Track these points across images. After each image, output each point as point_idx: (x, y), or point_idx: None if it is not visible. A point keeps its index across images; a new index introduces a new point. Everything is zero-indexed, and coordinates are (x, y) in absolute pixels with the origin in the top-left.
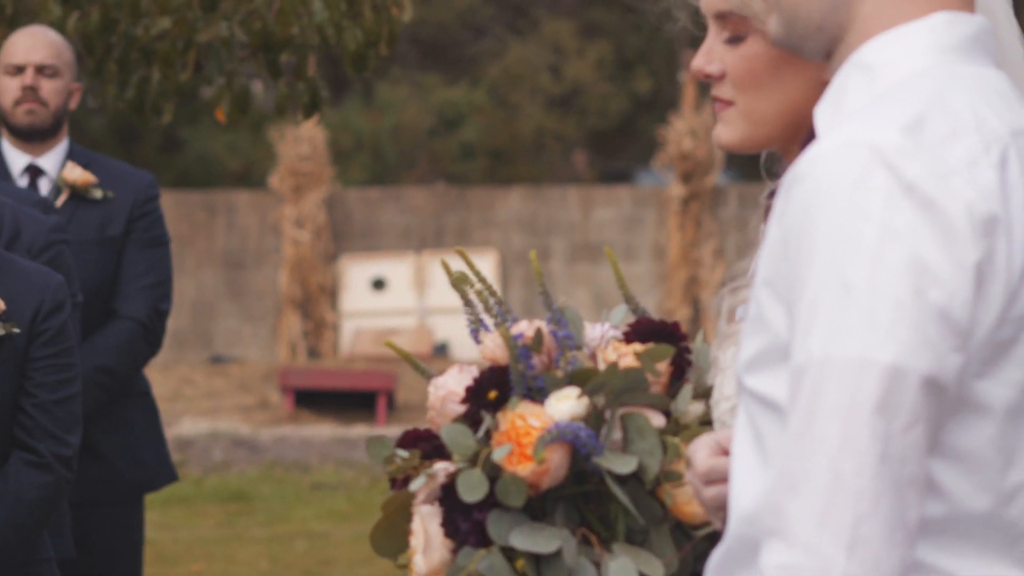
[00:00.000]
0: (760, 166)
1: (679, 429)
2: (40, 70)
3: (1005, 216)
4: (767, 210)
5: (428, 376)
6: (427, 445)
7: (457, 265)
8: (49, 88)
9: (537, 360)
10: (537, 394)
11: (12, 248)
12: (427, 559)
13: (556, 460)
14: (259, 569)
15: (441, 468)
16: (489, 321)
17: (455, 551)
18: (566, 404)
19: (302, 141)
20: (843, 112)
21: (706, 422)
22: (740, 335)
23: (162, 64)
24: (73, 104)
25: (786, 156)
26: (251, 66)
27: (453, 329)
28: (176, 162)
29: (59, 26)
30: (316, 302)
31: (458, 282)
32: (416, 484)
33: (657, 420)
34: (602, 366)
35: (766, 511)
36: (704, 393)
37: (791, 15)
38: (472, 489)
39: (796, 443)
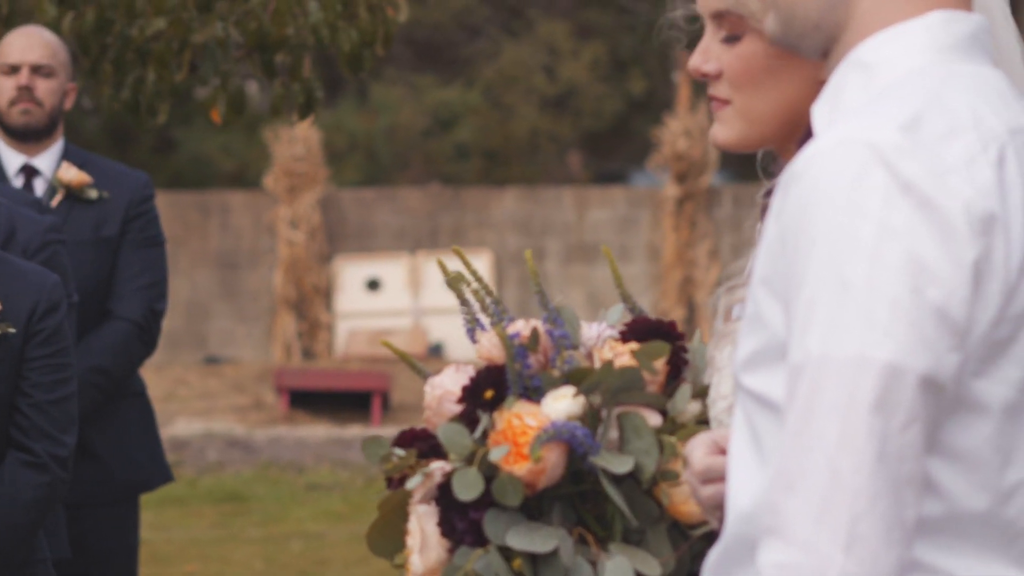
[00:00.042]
0: (757, 165)
1: (676, 428)
2: (35, 70)
3: (1003, 214)
4: (764, 209)
5: (425, 376)
6: (423, 444)
7: (453, 265)
8: (44, 88)
9: (533, 359)
10: (533, 393)
11: (7, 248)
12: (424, 559)
13: (552, 459)
14: (254, 570)
15: (437, 467)
16: (485, 320)
17: (452, 551)
18: (562, 403)
19: (296, 142)
20: (840, 110)
21: (703, 421)
22: (737, 334)
23: (157, 64)
24: (68, 104)
25: (783, 155)
26: (246, 67)
27: (448, 330)
28: (170, 163)
29: (54, 26)
30: (311, 303)
31: (454, 282)
32: (412, 482)
33: (654, 419)
34: (599, 365)
35: (763, 510)
36: (701, 392)
37: (788, 13)
38: (468, 488)
39: (793, 441)
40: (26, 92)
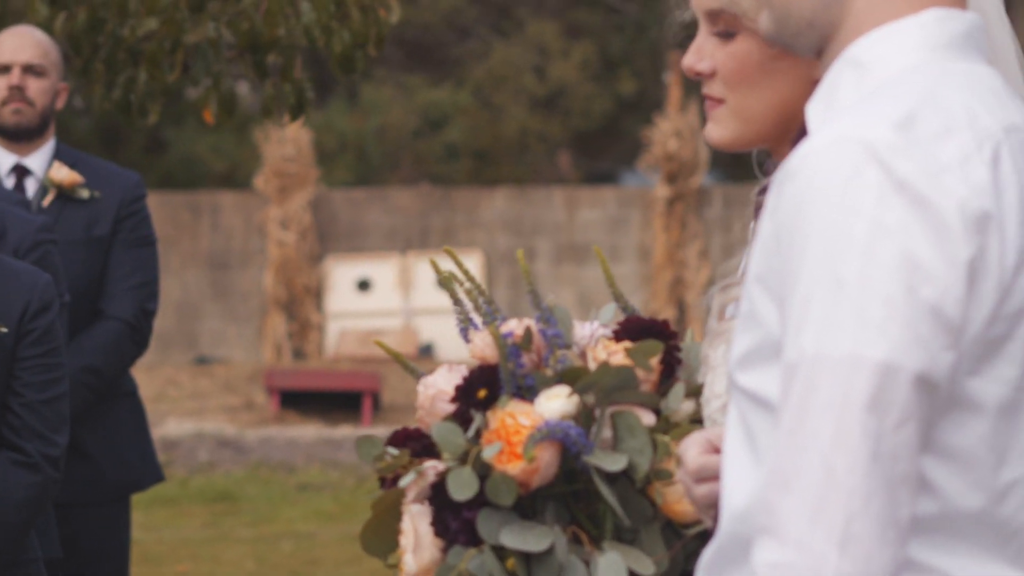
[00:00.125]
0: (753, 162)
1: (669, 427)
2: (27, 70)
3: (998, 213)
4: (758, 207)
5: (418, 375)
6: (417, 444)
7: (444, 265)
8: (36, 88)
9: (527, 359)
10: (527, 393)
11: None
12: (417, 558)
13: (546, 459)
14: (245, 569)
15: (431, 467)
16: (478, 320)
17: (445, 550)
18: (556, 403)
19: (287, 142)
20: (835, 109)
21: (696, 420)
22: (731, 333)
23: (149, 65)
24: (60, 104)
25: (777, 154)
26: (238, 67)
27: (438, 330)
28: (161, 163)
29: (46, 26)
30: (301, 303)
31: (447, 281)
32: (406, 482)
33: (647, 418)
34: (592, 365)
35: (758, 509)
36: (694, 391)
37: (783, 12)
38: (462, 488)
39: (788, 440)
40: (17, 92)
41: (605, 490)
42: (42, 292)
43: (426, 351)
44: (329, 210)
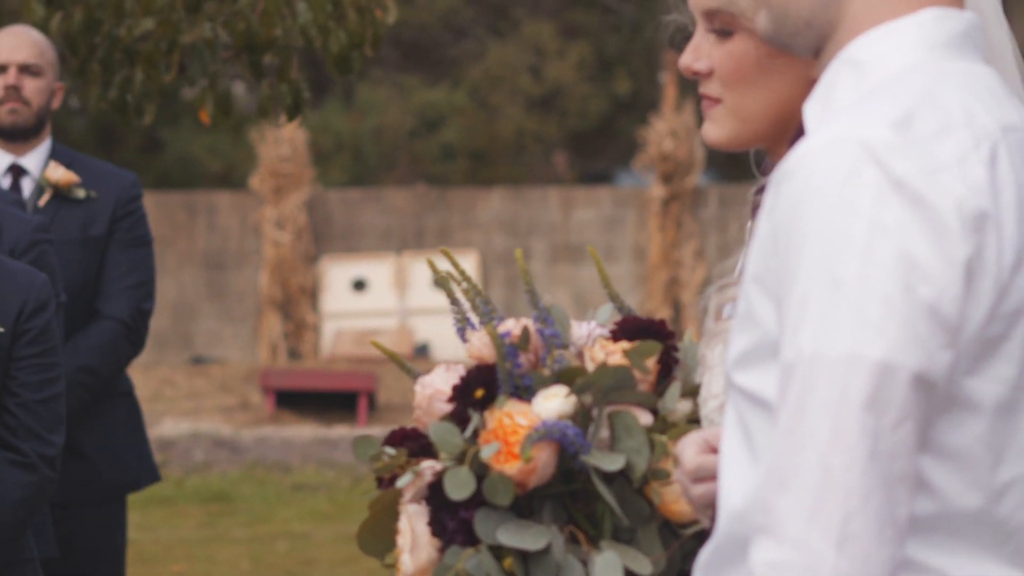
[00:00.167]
0: (752, 161)
1: (667, 427)
2: (23, 69)
3: (995, 212)
4: (755, 207)
5: (415, 375)
6: (414, 444)
7: (441, 265)
8: (32, 87)
9: (524, 358)
10: (524, 392)
11: None
12: (414, 558)
13: (543, 459)
14: (240, 569)
15: (428, 466)
16: (475, 320)
17: (442, 550)
18: (553, 402)
19: (282, 142)
20: (832, 108)
21: (694, 420)
22: (728, 332)
23: (145, 65)
24: (56, 104)
25: (774, 154)
26: (235, 67)
27: (434, 330)
28: (156, 163)
29: (42, 26)
30: (297, 303)
31: (444, 281)
32: (403, 482)
33: (645, 418)
34: (589, 364)
35: (755, 508)
36: (691, 391)
37: (780, 11)
38: (459, 488)
39: (785, 439)
40: (14, 91)
41: (604, 490)
42: (38, 292)
43: (421, 351)
44: (325, 210)
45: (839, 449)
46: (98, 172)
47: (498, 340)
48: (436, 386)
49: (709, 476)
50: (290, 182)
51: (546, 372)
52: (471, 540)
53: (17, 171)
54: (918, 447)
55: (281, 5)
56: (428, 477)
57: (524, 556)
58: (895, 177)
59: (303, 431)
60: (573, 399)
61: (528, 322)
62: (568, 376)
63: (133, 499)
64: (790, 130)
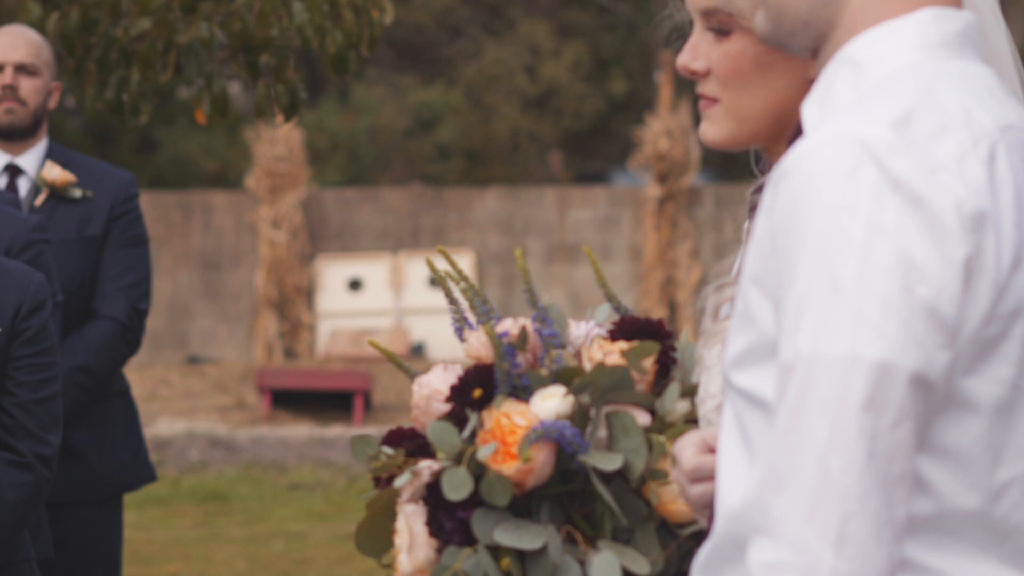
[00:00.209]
0: (751, 160)
1: (665, 427)
2: (19, 69)
3: (994, 212)
4: (753, 206)
5: (412, 375)
6: (411, 444)
7: (439, 265)
8: (28, 87)
9: (522, 358)
10: (522, 392)
11: None
12: (412, 558)
13: (541, 459)
14: (236, 569)
15: (426, 466)
16: (473, 319)
17: (440, 550)
18: (551, 402)
19: (278, 142)
20: (831, 108)
21: (692, 420)
22: (726, 332)
23: (142, 65)
24: (52, 103)
25: (772, 153)
26: (231, 67)
27: (430, 329)
28: (152, 163)
29: (39, 26)
30: (292, 303)
31: (442, 281)
32: (400, 481)
33: (643, 418)
34: (587, 364)
35: (753, 508)
36: (689, 391)
37: (778, 11)
38: (457, 488)
39: (783, 440)
40: (10, 91)
41: (603, 490)
42: (35, 291)
43: (417, 351)
44: (320, 210)
45: (837, 449)
46: (94, 172)
47: (496, 340)
48: (434, 386)
49: (707, 476)
50: (286, 182)
51: (544, 372)
52: (469, 540)
53: (13, 171)
54: (916, 447)
55: (277, 5)
56: (426, 477)
57: (522, 556)
58: (894, 177)
59: (299, 431)
60: (571, 399)
61: (526, 322)
62: (566, 376)
63: (129, 499)
64: (788, 130)
